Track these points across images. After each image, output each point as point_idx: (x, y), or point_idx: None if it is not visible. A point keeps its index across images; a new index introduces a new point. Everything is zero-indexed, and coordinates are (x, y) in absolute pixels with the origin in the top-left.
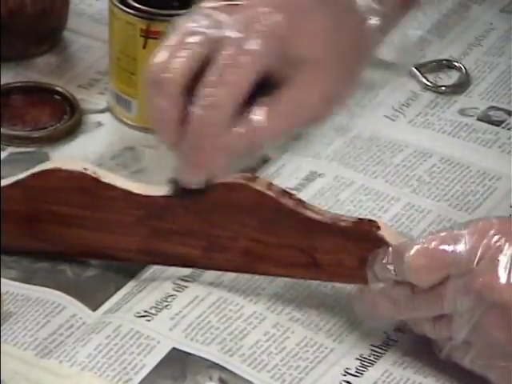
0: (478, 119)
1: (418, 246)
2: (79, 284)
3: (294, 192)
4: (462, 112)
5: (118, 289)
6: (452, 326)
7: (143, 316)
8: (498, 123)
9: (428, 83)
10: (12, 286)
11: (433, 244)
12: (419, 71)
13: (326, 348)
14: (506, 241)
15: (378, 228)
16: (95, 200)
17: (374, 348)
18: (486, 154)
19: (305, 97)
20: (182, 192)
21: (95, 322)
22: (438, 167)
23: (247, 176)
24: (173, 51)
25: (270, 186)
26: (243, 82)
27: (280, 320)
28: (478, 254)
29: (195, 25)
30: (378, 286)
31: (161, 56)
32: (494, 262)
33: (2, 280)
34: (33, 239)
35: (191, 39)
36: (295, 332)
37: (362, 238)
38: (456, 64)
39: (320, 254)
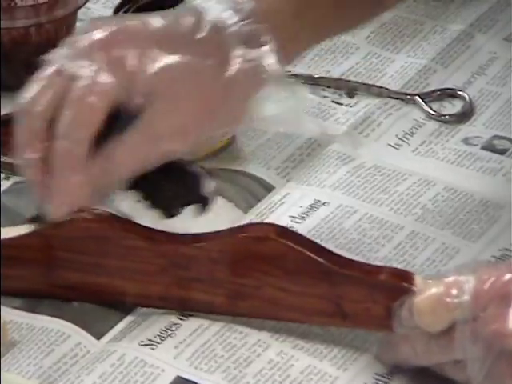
0: (482, 148)
1: (426, 291)
2: (83, 313)
3: (299, 220)
4: (465, 141)
5: (122, 317)
6: (467, 372)
7: (148, 344)
8: (501, 152)
9: (432, 112)
10: (16, 315)
11: (438, 289)
12: (423, 100)
13: (330, 376)
14: None
15: (406, 278)
16: (117, 249)
17: (377, 377)
18: (490, 183)
19: (157, 129)
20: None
21: (100, 350)
22: (442, 196)
23: (274, 228)
24: (39, 88)
25: (296, 238)
26: (93, 118)
27: (284, 348)
28: (484, 300)
29: (62, 61)
30: (402, 332)
31: (29, 92)
32: (501, 309)
33: (7, 309)
34: (51, 286)
35: (54, 78)
36: (299, 360)
37: (389, 287)
38: (460, 93)
39: (346, 304)
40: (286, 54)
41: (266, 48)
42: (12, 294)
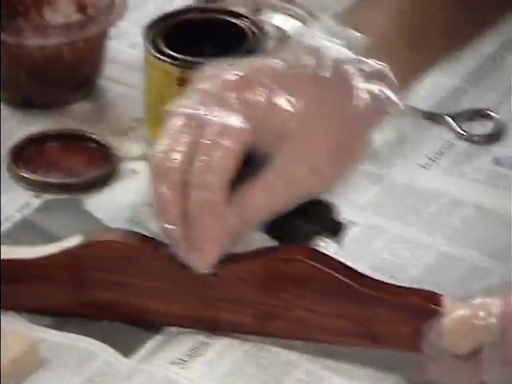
0: None
1: (454, 313)
2: (112, 331)
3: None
4: (496, 161)
5: (151, 336)
6: None
7: (177, 363)
8: None
9: (462, 132)
10: (46, 333)
11: (466, 311)
12: (453, 120)
13: None
14: None
15: (435, 300)
16: (147, 269)
17: None
18: None
19: (292, 171)
20: None
21: (129, 369)
22: (472, 216)
23: (304, 249)
24: (172, 140)
25: (326, 259)
26: (228, 163)
27: (314, 368)
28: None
29: (189, 111)
30: (431, 354)
31: (162, 146)
32: None
33: (36, 327)
34: (81, 305)
35: (185, 127)
36: (329, 380)
37: (419, 309)
38: (490, 113)
39: (375, 325)
40: (403, 83)
41: (386, 82)
42: (42, 312)
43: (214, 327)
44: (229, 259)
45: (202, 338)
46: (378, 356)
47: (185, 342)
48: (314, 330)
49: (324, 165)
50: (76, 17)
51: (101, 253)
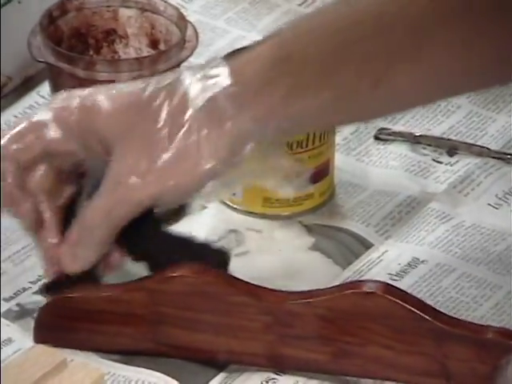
0: None
1: None
2: (180, 365)
3: (397, 278)
4: None
5: (218, 371)
6: None
7: None
8: None
9: None
10: (112, 367)
11: None
12: None
13: None
14: None
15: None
16: (222, 305)
17: None
18: None
19: (118, 177)
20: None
21: None
22: None
23: (381, 285)
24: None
25: (404, 296)
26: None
27: None
28: None
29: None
30: None
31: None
32: None
33: (105, 361)
34: (156, 343)
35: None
36: None
37: (496, 346)
38: None
39: (452, 363)
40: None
41: None
42: (114, 351)
43: (287, 365)
44: (306, 295)
45: (269, 373)
46: None
47: (252, 378)
48: (390, 369)
49: (144, 175)
50: (147, 52)
51: (177, 288)
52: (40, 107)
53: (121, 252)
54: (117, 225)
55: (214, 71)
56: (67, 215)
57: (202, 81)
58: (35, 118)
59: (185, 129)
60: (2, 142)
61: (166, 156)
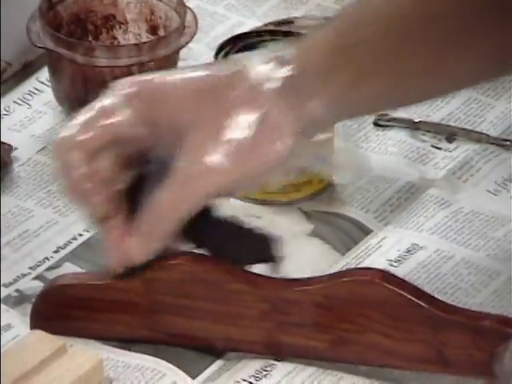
0: None
1: None
2: (179, 351)
3: (395, 264)
4: None
5: (217, 357)
6: None
7: None
8: None
9: None
10: (112, 353)
11: None
12: None
13: None
14: None
15: (509, 324)
16: (219, 293)
17: None
18: None
19: (189, 166)
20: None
21: None
22: None
23: (379, 272)
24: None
25: (402, 283)
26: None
27: None
28: None
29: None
30: (504, 378)
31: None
32: None
33: (104, 346)
34: (153, 331)
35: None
36: None
37: (494, 333)
38: None
39: (449, 350)
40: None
41: None
42: (111, 338)
43: (284, 352)
44: (303, 283)
45: (267, 359)
46: (444, 381)
47: (250, 364)
48: (387, 356)
49: (222, 162)
50: (147, 37)
51: (174, 276)
52: (103, 94)
53: (183, 239)
54: (185, 217)
55: (281, 56)
56: (130, 202)
57: (270, 65)
58: (101, 105)
59: (261, 112)
60: (69, 132)
61: (245, 141)
